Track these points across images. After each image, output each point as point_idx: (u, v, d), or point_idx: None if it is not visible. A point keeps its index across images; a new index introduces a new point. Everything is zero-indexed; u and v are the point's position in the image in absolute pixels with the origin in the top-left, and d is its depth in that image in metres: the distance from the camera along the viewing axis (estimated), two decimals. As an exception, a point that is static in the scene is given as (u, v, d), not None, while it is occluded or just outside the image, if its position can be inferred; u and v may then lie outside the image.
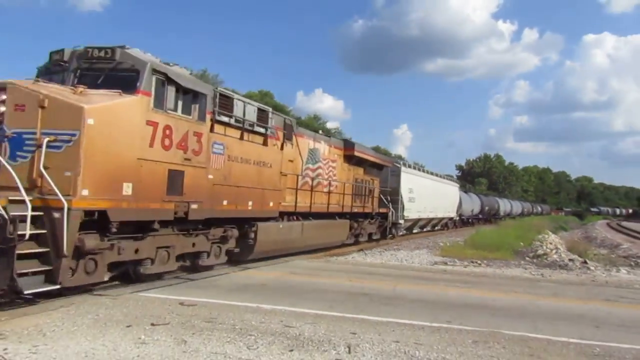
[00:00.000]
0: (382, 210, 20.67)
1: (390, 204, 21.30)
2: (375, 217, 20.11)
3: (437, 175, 32.67)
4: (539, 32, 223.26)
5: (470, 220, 43.61)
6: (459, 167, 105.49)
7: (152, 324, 5.96)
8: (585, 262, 15.68)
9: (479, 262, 15.17)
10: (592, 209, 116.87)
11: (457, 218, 37.30)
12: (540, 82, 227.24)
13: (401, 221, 22.96)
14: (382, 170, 21.42)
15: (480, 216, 46.41)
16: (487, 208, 47.76)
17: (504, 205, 56.95)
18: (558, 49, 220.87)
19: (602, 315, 7.99)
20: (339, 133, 60.23)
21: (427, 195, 27.01)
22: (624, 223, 66.58)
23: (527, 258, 17.30)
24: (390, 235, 22.13)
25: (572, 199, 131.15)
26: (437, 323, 6.77)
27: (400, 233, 24.53)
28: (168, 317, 6.39)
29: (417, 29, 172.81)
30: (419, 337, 6.01)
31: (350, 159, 17.46)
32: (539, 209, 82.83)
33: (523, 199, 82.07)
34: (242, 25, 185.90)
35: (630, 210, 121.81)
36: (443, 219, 33.16)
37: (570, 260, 16.29)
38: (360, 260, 14.94)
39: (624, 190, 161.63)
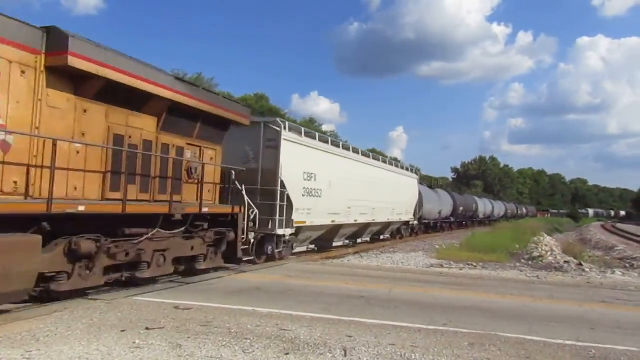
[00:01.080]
0: (223, 209, 11.08)
1: (245, 194, 11.69)
2: (196, 224, 10.24)
3: (373, 157, 21.10)
4: (533, 35, 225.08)
5: (438, 224, 34.61)
6: (455, 170, 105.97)
7: (147, 328, 5.93)
8: (581, 264, 15.74)
9: (474, 264, 15.21)
10: (581, 211, 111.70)
11: (415, 222, 27.10)
12: (535, 84, 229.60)
13: (285, 231, 12.99)
14: (226, 132, 11.49)
15: (452, 219, 37.59)
16: (461, 209, 39.13)
17: (484, 206, 49.21)
18: (552, 52, 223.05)
19: (597, 317, 8.00)
20: (335, 136, 60.05)
21: (352, 187, 17.03)
22: (619, 225, 66.87)
23: (523, 260, 17.37)
24: (250, 259, 12.43)
25: (567, 201, 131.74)
26: (433, 326, 6.76)
27: (296, 249, 15.03)
28: (163, 321, 6.35)
29: (412, 32, 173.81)
30: (415, 340, 5.99)
31: (83, 81, 7.61)
32: (524, 210, 77.15)
33: (518, 201, 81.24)
34: (237, 28, 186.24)
35: (624, 213, 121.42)
36: (391, 223, 23.09)
37: (565, 262, 16.36)
38: (356, 263, 14.93)
39: (619, 192, 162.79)
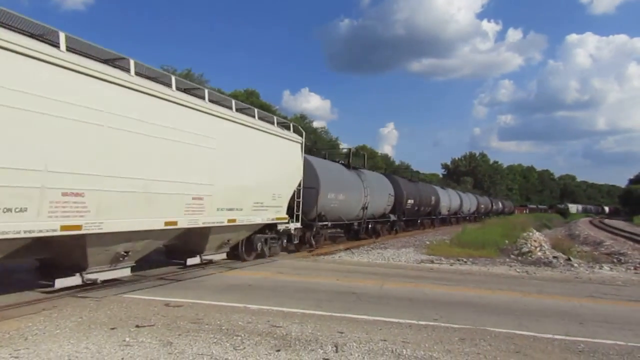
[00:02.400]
0: None
1: None
2: None
3: (135, 70, 7.74)
4: (523, 32, 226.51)
5: (365, 227, 20.91)
6: (445, 166, 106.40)
7: (137, 326, 5.89)
8: (569, 260, 15.90)
9: (464, 260, 15.29)
10: (560, 206, 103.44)
11: (295, 226, 13.96)
12: (524, 81, 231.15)
13: None
14: None
15: (394, 217, 24.50)
16: (410, 202, 26.33)
17: (449, 199, 37.50)
18: (541, 49, 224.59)
19: (586, 311, 8.08)
20: (326, 132, 60.19)
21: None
22: (606, 220, 67.65)
23: (512, 256, 17.51)
24: None
25: (556, 197, 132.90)
26: (424, 321, 6.79)
27: None
28: (153, 318, 6.31)
29: (402, 29, 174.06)
30: (406, 335, 6.01)
31: None
32: (500, 205, 65.00)
33: (508, 197, 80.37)
34: (228, 24, 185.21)
35: (607, 209, 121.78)
36: (227, 229, 10.96)
37: (554, 257, 16.53)
38: (347, 259, 14.94)
39: (607, 188, 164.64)
